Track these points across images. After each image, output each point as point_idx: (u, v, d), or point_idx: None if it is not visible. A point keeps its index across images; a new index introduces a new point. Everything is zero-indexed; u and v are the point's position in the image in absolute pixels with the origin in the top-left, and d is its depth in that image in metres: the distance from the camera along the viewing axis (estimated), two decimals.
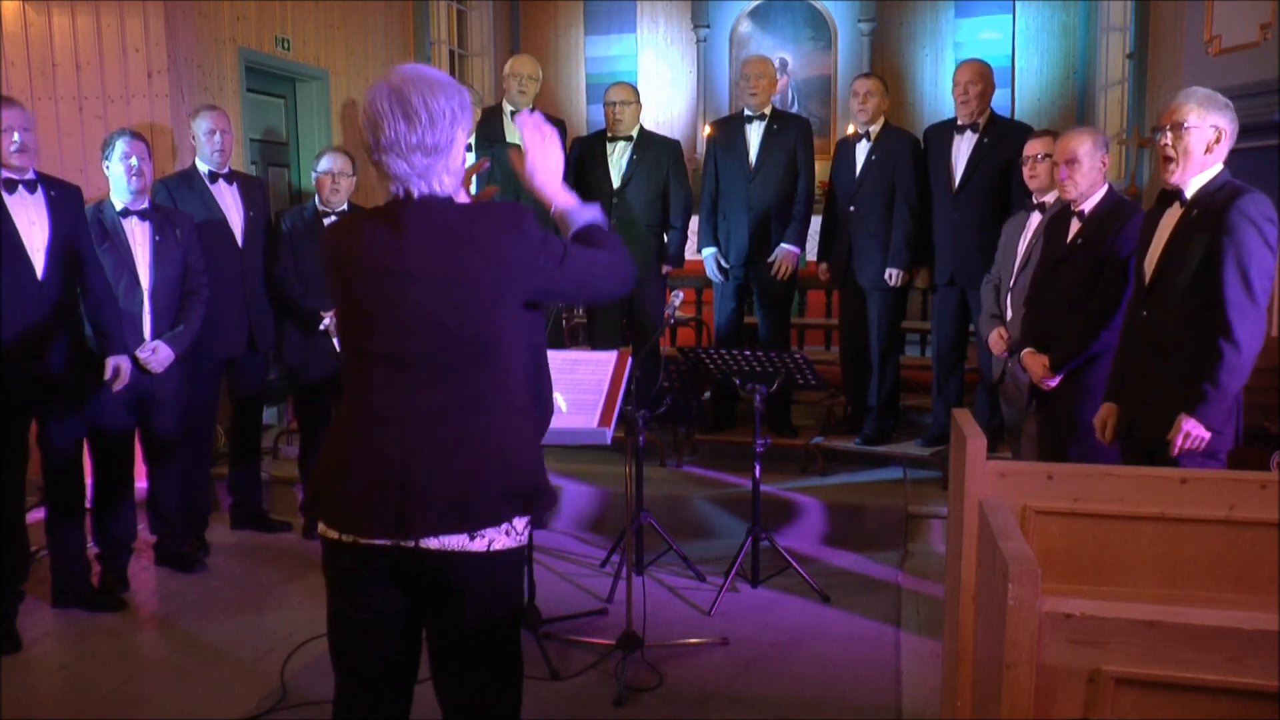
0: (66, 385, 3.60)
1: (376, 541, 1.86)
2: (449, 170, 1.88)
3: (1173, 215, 2.90)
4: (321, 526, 1.94)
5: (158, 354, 3.90)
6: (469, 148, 4.72)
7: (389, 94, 1.81)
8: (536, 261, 1.85)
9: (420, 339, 1.83)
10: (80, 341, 3.66)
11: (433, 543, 1.84)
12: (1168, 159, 2.82)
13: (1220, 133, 2.78)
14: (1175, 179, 2.84)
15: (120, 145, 3.86)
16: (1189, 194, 2.84)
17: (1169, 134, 2.80)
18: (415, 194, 1.86)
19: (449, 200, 1.89)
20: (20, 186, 3.48)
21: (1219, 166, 2.83)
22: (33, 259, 3.47)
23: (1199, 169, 2.81)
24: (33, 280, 3.47)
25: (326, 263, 1.94)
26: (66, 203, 3.60)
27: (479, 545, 1.86)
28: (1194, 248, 2.78)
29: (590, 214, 2.04)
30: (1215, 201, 2.76)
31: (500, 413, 1.87)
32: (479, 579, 1.88)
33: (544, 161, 2.03)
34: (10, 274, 3.40)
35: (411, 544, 1.84)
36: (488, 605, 1.91)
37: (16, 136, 3.41)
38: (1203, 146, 2.78)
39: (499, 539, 1.87)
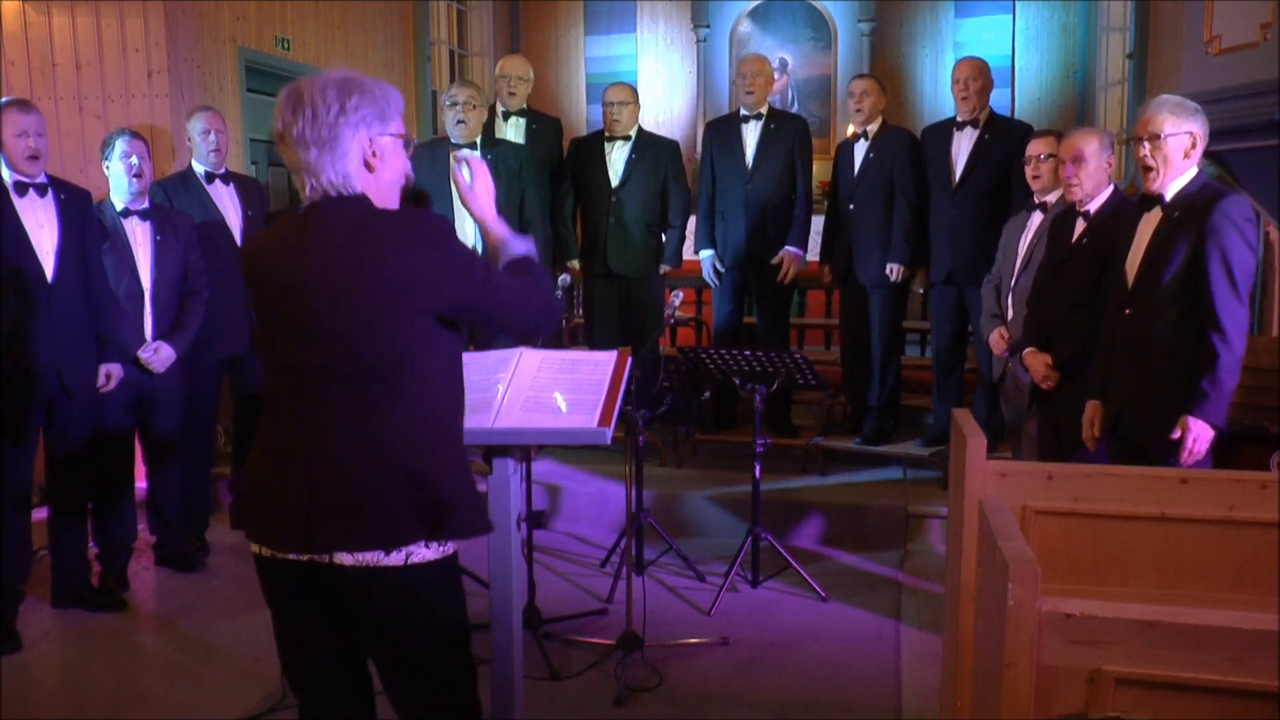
0: (74, 387, 3.61)
1: (292, 556, 1.83)
2: (343, 170, 1.82)
3: (1153, 218, 2.97)
4: (249, 542, 1.91)
5: (159, 354, 3.90)
6: (475, 145, 4.75)
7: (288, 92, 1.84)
8: (450, 278, 1.80)
9: (321, 349, 1.79)
10: (89, 344, 3.66)
11: (346, 558, 1.79)
12: (1148, 168, 2.91)
13: (1194, 137, 2.87)
14: (1156, 186, 2.93)
15: (120, 145, 3.86)
16: (1168, 197, 2.92)
17: (1147, 145, 2.88)
18: (328, 192, 1.82)
19: (367, 205, 1.83)
20: (31, 189, 3.52)
21: (1195, 169, 2.92)
22: (43, 261, 3.51)
23: (1178, 173, 2.90)
24: (43, 283, 3.50)
25: (244, 273, 1.92)
26: (76, 206, 3.63)
27: (395, 559, 1.80)
28: (1177, 248, 2.85)
29: (524, 246, 2.06)
30: (1196, 203, 2.84)
31: (410, 428, 1.81)
32: (398, 594, 1.83)
33: (480, 192, 2.08)
34: (21, 276, 3.44)
35: (326, 559, 1.81)
36: (412, 621, 1.85)
37: (31, 141, 3.46)
38: (1181, 153, 2.87)
39: (418, 551, 1.82)
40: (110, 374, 3.72)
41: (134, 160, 3.86)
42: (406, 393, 1.81)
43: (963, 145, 4.69)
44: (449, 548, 1.88)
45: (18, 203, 3.48)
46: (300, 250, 1.80)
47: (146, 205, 3.97)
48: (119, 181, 3.89)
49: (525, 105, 5.33)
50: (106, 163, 3.90)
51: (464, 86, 4.76)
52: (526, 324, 2.01)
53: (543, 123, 5.41)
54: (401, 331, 1.79)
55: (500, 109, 5.28)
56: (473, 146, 4.72)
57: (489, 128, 5.14)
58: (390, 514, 1.79)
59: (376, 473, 1.79)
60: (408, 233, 1.79)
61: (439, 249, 1.79)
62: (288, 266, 1.80)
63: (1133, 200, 3.26)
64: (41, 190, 3.55)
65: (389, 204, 1.89)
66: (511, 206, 4.77)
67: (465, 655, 1.97)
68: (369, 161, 1.84)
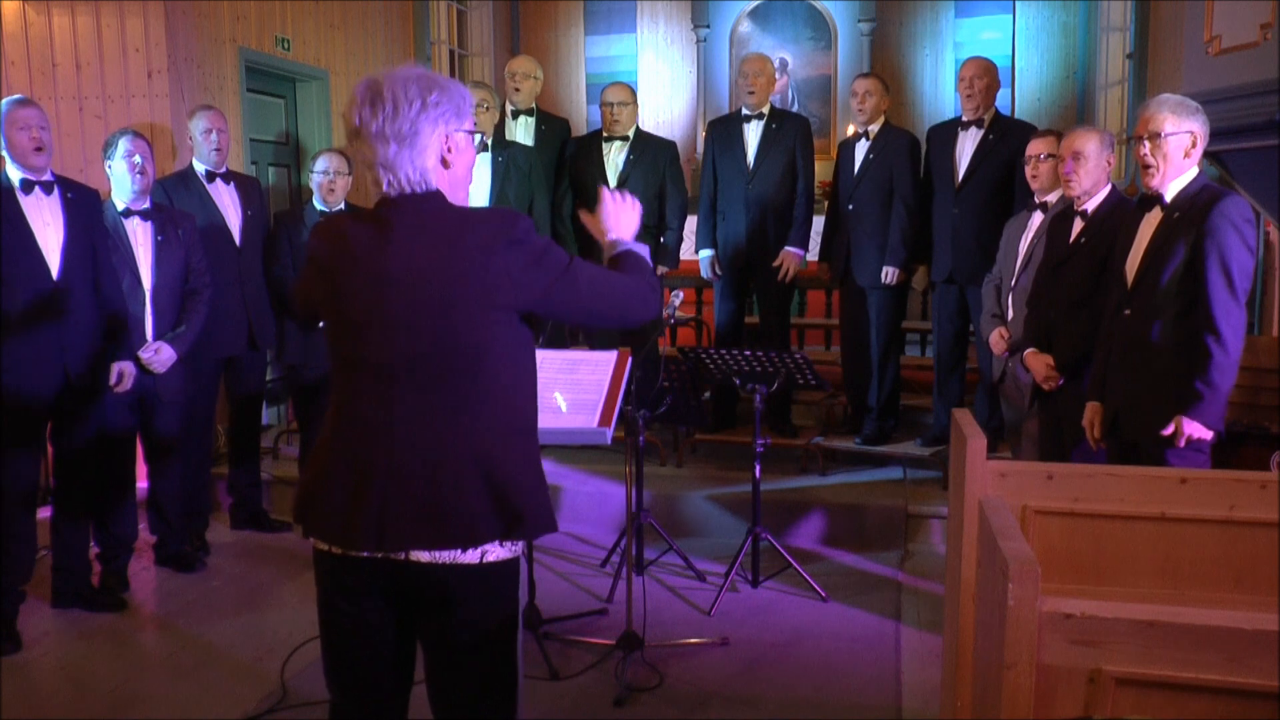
0: (82, 386, 3.61)
1: (365, 554, 1.83)
2: (421, 166, 1.83)
3: (1153, 218, 2.97)
4: (312, 538, 1.91)
5: (160, 354, 3.90)
6: (485, 147, 4.75)
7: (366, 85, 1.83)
8: (530, 273, 1.81)
9: (401, 346, 1.79)
10: (96, 343, 3.66)
11: (424, 555, 1.80)
12: (1148, 166, 2.91)
13: (1195, 137, 2.87)
14: (1156, 184, 2.93)
15: (123, 144, 3.87)
16: (1169, 197, 2.93)
17: (1147, 143, 2.88)
18: (404, 189, 1.83)
19: (443, 202, 1.86)
20: (37, 187, 3.53)
21: (1195, 170, 2.92)
22: (48, 260, 3.51)
23: (1178, 173, 2.90)
24: (48, 281, 3.50)
25: (313, 266, 1.92)
26: (83, 205, 3.63)
27: (471, 557, 1.81)
28: (1176, 249, 2.85)
29: (635, 245, 2.07)
30: (1196, 204, 2.84)
31: (487, 426, 1.82)
32: (472, 591, 1.84)
33: (619, 221, 2.14)
34: (26, 275, 3.44)
35: (402, 556, 1.81)
36: (481, 617, 1.86)
37: (36, 133, 3.47)
38: (1181, 152, 2.87)
39: (493, 550, 1.83)
40: (124, 372, 3.73)
41: (137, 159, 3.86)
42: (484, 390, 1.82)
43: (967, 144, 4.69)
44: (519, 547, 1.89)
45: (23, 201, 3.49)
46: (381, 246, 1.81)
47: (148, 205, 3.97)
48: (121, 181, 3.89)
49: (534, 105, 5.32)
50: (109, 162, 3.90)
51: (478, 87, 4.81)
52: (616, 318, 1.97)
53: (552, 124, 5.42)
54: (482, 327, 1.80)
55: (509, 108, 5.28)
56: (483, 148, 4.73)
57: (499, 129, 5.15)
58: (467, 514, 1.79)
59: (453, 471, 1.80)
60: (489, 230, 1.80)
61: (519, 244, 1.80)
62: (367, 262, 1.81)
63: (1131, 200, 3.26)
64: (47, 188, 3.55)
65: (459, 199, 1.90)
66: (521, 208, 4.79)
67: (515, 656, 1.97)
68: (445, 157, 1.86)
